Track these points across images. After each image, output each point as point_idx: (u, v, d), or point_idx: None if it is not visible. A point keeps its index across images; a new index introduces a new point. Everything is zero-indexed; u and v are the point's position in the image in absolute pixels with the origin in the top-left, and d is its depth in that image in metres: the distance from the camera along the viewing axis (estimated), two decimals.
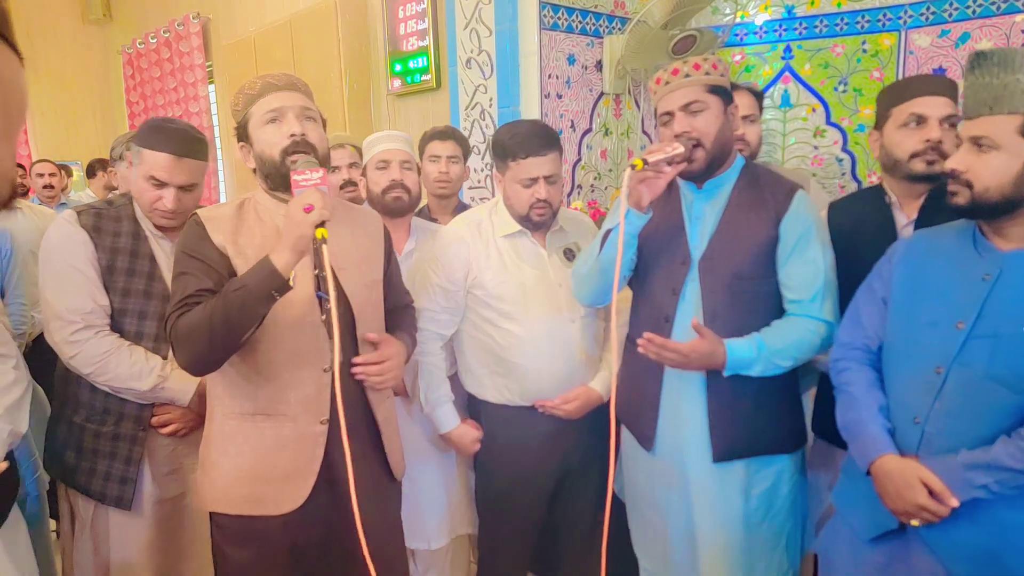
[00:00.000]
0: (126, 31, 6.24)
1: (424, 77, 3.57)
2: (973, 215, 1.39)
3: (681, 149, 1.68)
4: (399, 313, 1.86)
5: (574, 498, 2.11)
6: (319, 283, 1.56)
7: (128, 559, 1.93)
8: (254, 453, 1.57)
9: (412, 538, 2.29)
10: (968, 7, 2.62)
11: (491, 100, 2.89)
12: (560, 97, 2.88)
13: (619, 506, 2.10)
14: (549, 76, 2.83)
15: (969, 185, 1.34)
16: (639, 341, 1.74)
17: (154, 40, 5.66)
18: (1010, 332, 1.31)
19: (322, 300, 1.55)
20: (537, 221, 1.99)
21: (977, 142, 1.32)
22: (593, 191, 3.05)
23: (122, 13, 6.40)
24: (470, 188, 3.01)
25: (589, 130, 3.01)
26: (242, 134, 1.60)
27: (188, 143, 1.87)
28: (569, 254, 2.06)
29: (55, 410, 2.00)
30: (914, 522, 1.38)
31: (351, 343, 1.64)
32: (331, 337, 1.57)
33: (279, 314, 1.53)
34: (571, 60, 2.90)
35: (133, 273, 1.86)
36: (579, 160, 2.98)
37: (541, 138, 1.93)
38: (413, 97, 3.72)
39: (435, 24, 3.45)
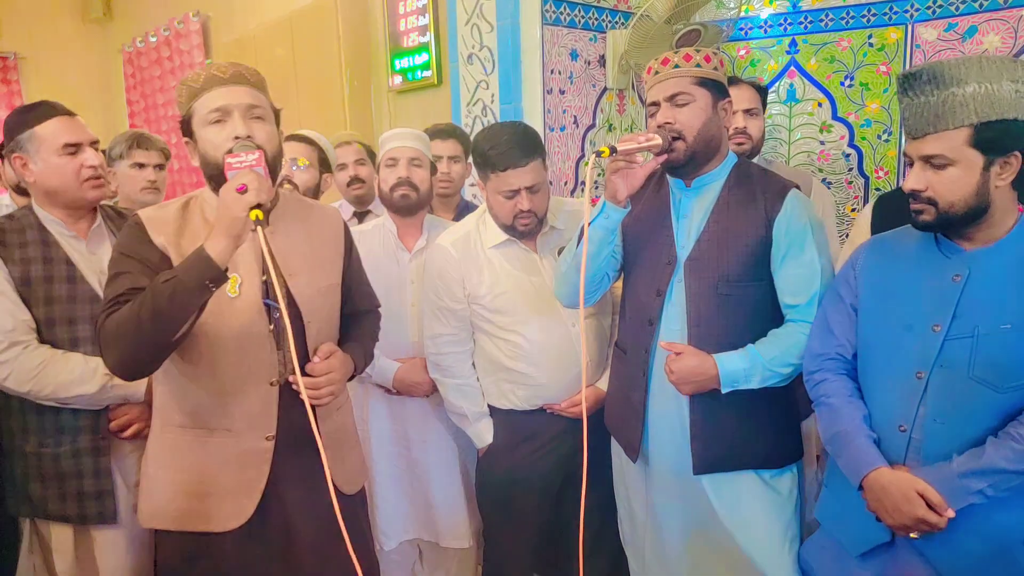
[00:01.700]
0: (126, 30, 6.21)
1: (425, 73, 3.54)
2: (942, 229, 1.38)
3: (658, 140, 1.63)
4: (358, 320, 1.76)
5: (579, 500, 2.08)
6: (267, 290, 1.49)
7: None
8: (194, 468, 1.50)
9: (423, 531, 2.28)
10: (975, 0, 2.59)
11: (493, 96, 2.87)
12: (563, 93, 2.86)
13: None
14: (551, 72, 2.80)
15: (932, 202, 1.34)
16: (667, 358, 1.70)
17: (154, 39, 5.63)
18: (987, 331, 1.31)
19: (271, 308, 1.48)
20: (522, 231, 1.94)
21: (930, 161, 1.32)
22: (597, 187, 3.02)
23: (122, 12, 6.38)
24: (471, 184, 2.98)
25: (592, 126, 2.99)
26: (186, 129, 1.48)
27: (61, 107, 1.84)
28: None
29: (5, 446, 1.89)
30: (913, 535, 1.37)
31: (302, 355, 1.52)
32: (279, 348, 1.50)
33: (224, 323, 1.45)
34: (574, 55, 2.88)
35: (52, 280, 1.77)
36: (582, 156, 2.96)
37: (520, 148, 1.85)
38: (414, 94, 3.70)
39: (436, 20, 3.42)
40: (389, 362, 2.16)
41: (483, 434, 2.09)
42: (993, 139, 1.28)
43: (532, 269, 2.00)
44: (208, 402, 1.49)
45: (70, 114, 1.84)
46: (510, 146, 1.85)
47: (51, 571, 1.88)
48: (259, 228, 1.27)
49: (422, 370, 2.16)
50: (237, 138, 1.41)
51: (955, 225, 1.36)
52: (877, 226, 1.83)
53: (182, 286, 1.29)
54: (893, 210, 1.83)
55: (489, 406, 2.08)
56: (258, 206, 1.28)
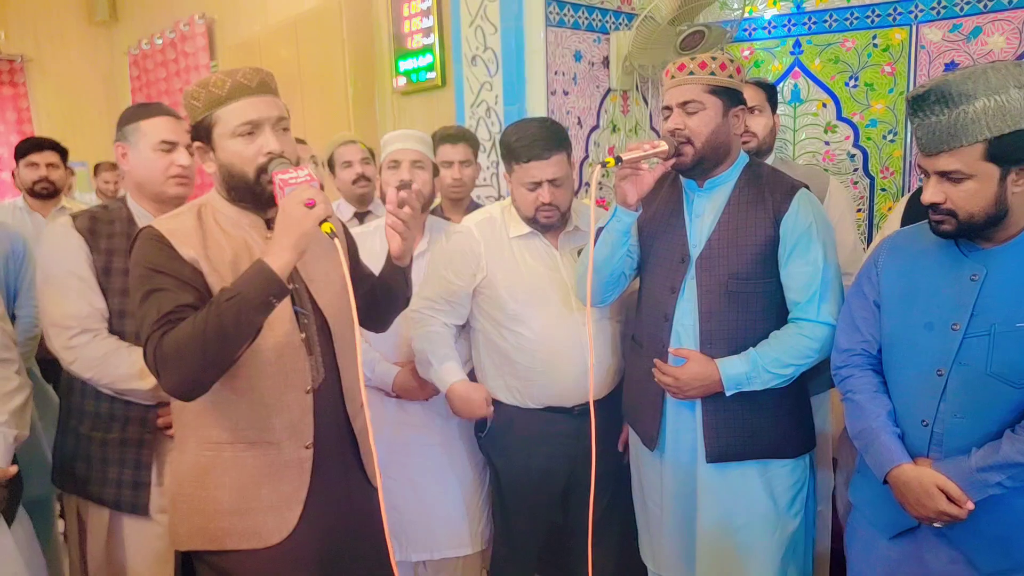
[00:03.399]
0: (132, 32, 6.24)
1: (429, 75, 3.55)
2: (964, 237, 1.42)
3: (664, 147, 1.68)
4: (381, 280, 1.72)
5: (585, 501, 2.08)
6: (294, 298, 1.48)
7: (144, 571, 1.89)
8: (234, 484, 1.45)
9: (418, 549, 2.26)
10: (980, 1, 2.59)
11: (497, 97, 2.87)
12: (567, 94, 2.86)
13: (628, 510, 2.09)
14: (555, 73, 2.80)
15: (952, 213, 1.37)
16: (654, 371, 1.78)
17: (160, 41, 5.66)
18: (1003, 329, 1.36)
19: (298, 315, 1.48)
20: (544, 223, 1.96)
21: (947, 176, 1.35)
22: (601, 188, 3.02)
23: (128, 14, 6.41)
24: (475, 185, 2.99)
25: (596, 127, 2.99)
26: (202, 134, 1.43)
27: (171, 109, 1.92)
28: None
29: (61, 422, 1.96)
30: (937, 524, 1.43)
31: (331, 360, 1.55)
32: (310, 354, 1.50)
33: (262, 335, 1.40)
34: (578, 56, 2.88)
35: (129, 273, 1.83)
36: (586, 157, 2.96)
37: (545, 141, 1.89)
38: (418, 95, 3.70)
39: (440, 22, 3.43)
40: (388, 366, 2.16)
41: (445, 376, 2.01)
42: (1007, 151, 1.30)
43: (551, 265, 2.01)
44: (248, 415, 1.46)
45: (178, 117, 1.91)
46: (535, 139, 1.89)
47: (83, 549, 1.94)
48: (336, 240, 1.29)
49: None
50: (270, 153, 1.40)
51: (977, 231, 1.39)
52: (908, 222, 1.84)
53: (248, 303, 1.28)
54: (922, 207, 1.87)
55: (497, 402, 2.08)
56: (325, 219, 1.29)
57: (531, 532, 2.13)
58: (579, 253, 2.01)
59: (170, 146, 1.86)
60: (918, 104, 1.36)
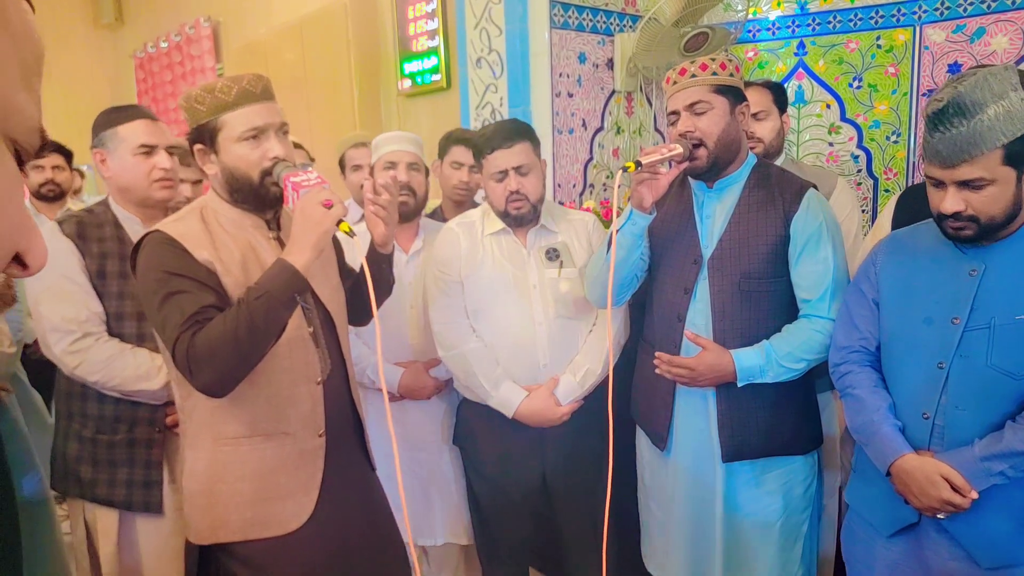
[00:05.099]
0: (137, 35, 6.26)
1: (434, 77, 3.56)
2: (983, 239, 1.44)
3: (679, 150, 1.71)
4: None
5: (568, 496, 2.09)
6: None
7: (159, 568, 1.91)
8: (254, 475, 1.51)
9: (418, 535, 2.28)
10: (983, 2, 2.59)
11: (502, 99, 2.88)
12: (571, 96, 2.87)
13: (627, 508, 2.09)
14: (560, 75, 2.81)
15: (974, 219, 1.40)
16: (655, 362, 1.79)
17: (165, 44, 5.68)
18: (1003, 322, 1.39)
19: (304, 310, 1.54)
20: (516, 215, 1.98)
21: (968, 185, 1.39)
22: (605, 190, 3.03)
23: (133, 18, 6.43)
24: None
25: (601, 128, 3.00)
26: (204, 138, 1.48)
27: (147, 111, 1.92)
28: (552, 254, 2.04)
29: (61, 428, 1.95)
30: (940, 516, 1.44)
31: (336, 351, 1.62)
32: (317, 347, 1.56)
33: None
34: (582, 58, 2.89)
35: (126, 276, 1.82)
36: (591, 159, 2.97)
37: (506, 131, 1.94)
38: (423, 97, 3.72)
39: (445, 24, 3.44)
40: (392, 367, 2.18)
41: (507, 398, 1.98)
42: (1021, 152, 1.35)
43: (518, 262, 2.03)
44: (265, 409, 1.51)
45: (153, 119, 1.91)
46: (497, 130, 1.95)
47: (93, 552, 1.94)
48: (355, 238, 1.37)
49: (425, 374, 2.18)
50: (275, 158, 1.46)
51: (994, 232, 1.42)
52: (899, 220, 1.87)
53: (275, 300, 1.35)
54: (914, 205, 1.88)
55: (464, 400, 2.10)
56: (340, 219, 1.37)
57: (505, 525, 2.12)
58: (546, 252, 2.03)
59: (150, 149, 1.85)
60: (939, 118, 1.38)
